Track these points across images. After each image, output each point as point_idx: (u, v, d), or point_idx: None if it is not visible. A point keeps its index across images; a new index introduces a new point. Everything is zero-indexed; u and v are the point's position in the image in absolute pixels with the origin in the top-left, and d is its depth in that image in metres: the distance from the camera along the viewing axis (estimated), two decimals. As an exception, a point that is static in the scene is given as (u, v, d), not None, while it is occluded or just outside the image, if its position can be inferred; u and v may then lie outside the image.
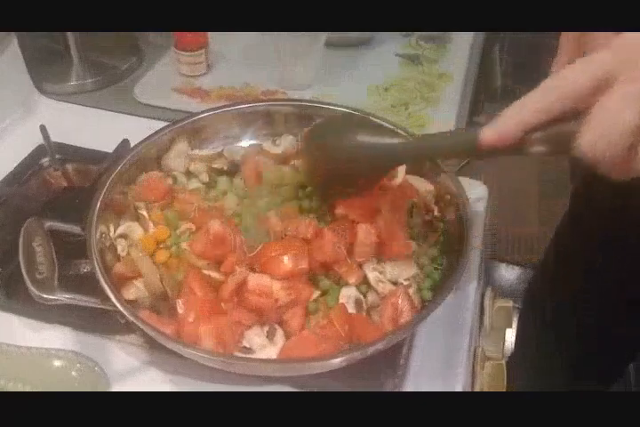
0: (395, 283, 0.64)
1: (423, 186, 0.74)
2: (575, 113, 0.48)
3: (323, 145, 0.65)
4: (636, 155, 0.46)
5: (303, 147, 0.70)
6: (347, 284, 0.65)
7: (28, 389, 0.58)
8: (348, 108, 0.80)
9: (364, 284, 0.66)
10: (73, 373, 0.60)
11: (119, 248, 0.68)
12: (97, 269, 0.62)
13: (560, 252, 1.13)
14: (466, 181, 0.75)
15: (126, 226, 0.70)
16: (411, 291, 0.64)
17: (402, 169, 0.72)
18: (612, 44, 0.48)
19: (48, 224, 0.66)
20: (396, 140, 0.61)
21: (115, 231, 0.70)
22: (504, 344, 0.76)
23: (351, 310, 0.63)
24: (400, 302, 0.61)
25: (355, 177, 0.64)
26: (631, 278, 0.93)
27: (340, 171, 0.63)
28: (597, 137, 0.45)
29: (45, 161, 0.89)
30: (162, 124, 0.80)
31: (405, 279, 0.64)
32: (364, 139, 0.62)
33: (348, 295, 0.63)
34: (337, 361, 0.58)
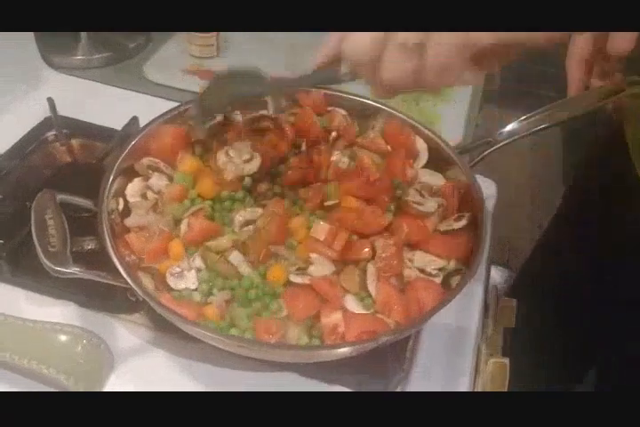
0: (422, 271, 0.64)
1: (436, 181, 0.74)
2: None
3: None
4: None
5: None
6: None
7: (33, 363, 0.57)
8: (361, 97, 0.80)
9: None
10: (79, 348, 0.59)
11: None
12: (108, 244, 0.60)
13: (545, 252, 1.14)
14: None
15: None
16: (437, 280, 0.64)
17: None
18: None
19: (60, 197, 0.64)
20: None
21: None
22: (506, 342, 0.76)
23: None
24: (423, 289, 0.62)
25: None
26: (608, 279, 0.95)
27: None
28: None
29: (50, 135, 0.87)
30: (171, 103, 0.79)
31: (433, 269, 0.63)
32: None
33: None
34: (347, 350, 0.58)
